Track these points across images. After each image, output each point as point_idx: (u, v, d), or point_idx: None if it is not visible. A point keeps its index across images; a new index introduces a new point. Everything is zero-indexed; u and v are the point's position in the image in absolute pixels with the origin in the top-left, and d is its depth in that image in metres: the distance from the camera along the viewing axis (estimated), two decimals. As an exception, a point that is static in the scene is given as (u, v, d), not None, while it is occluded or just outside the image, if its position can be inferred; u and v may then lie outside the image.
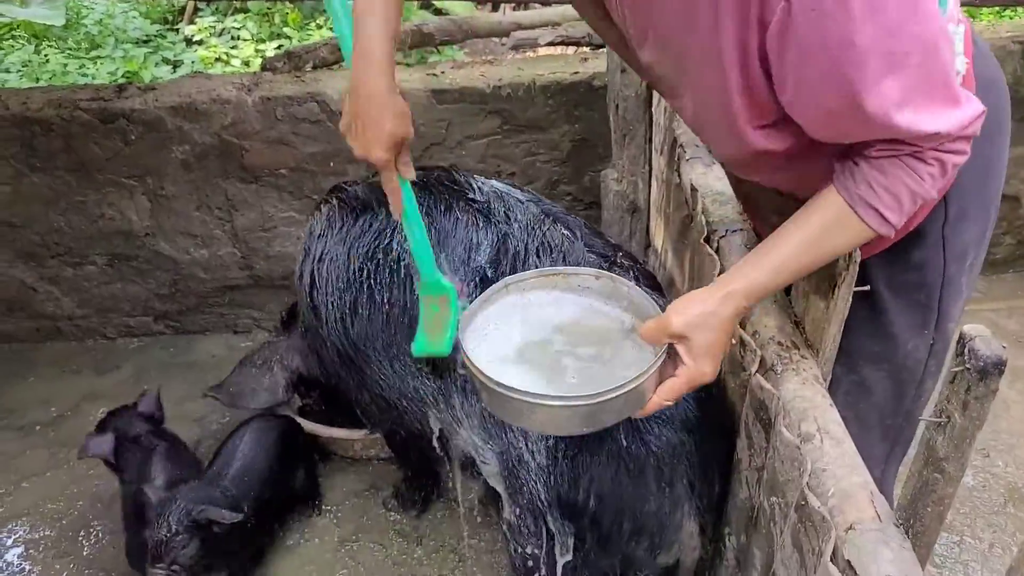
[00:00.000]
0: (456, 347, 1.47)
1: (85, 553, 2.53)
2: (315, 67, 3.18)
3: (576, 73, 2.96)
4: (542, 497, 1.77)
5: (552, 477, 1.73)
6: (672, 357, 1.34)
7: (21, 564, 2.49)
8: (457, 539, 2.54)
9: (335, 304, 2.01)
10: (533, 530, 1.83)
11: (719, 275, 1.79)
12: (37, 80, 4.22)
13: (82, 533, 2.60)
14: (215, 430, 2.97)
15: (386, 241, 1.96)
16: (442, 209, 1.91)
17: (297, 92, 2.90)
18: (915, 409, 1.73)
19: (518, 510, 1.85)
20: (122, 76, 4.34)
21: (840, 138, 1.21)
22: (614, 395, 1.27)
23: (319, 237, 2.06)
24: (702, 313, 1.30)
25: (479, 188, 1.97)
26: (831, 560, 1.21)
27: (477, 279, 1.83)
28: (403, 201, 1.50)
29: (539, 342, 1.45)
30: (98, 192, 3.02)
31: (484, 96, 2.94)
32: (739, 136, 1.28)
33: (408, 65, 3.57)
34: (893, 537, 1.20)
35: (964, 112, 1.15)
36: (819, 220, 1.28)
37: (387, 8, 1.41)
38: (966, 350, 1.08)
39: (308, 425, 2.69)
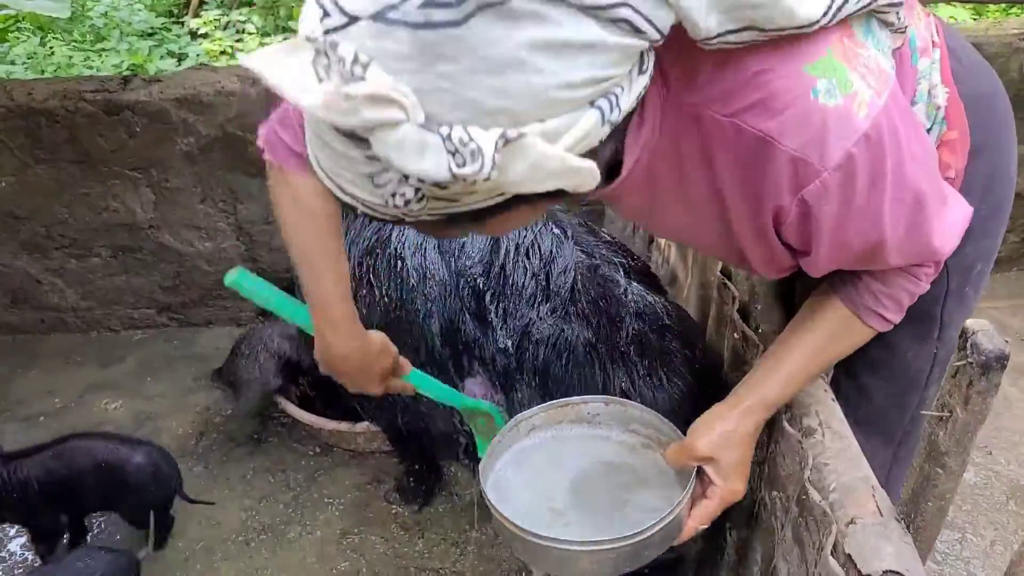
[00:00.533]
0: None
1: (89, 540, 2.53)
2: (320, 60, 3.18)
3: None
4: None
5: None
6: (699, 477, 1.35)
7: (23, 554, 2.51)
8: (459, 532, 2.54)
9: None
10: None
11: (719, 270, 1.79)
12: (42, 72, 4.23)
13: (84, 521, 2.60)
14: (218, 422, 2.98)
15: (385, 235, 1.96)
16: None
17: (302, 85, 2.90)
18: (920, 416, 1.71)
19: None
20: (127, 68, 4.34)
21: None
22: (655, 531, 1.27)
23: None
24: (724, 432, 1.32)
25: None
26: (831, 554, 1.21)
27: (468, 288, 1.83)
28: (411, 382, 1.54)
29: (561, 482, 1.44)
30: (103, 184, 3.03)
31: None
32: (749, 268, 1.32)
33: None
34: (894, 532, 1.20)
35: (963, 221, 1.20)
36: (825, 329, 1.32)
37: (337, 265, 1.38)
38: (968, 344, 1.08)
39: (310, 418, 2.70)
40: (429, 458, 2.52)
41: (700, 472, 1.35)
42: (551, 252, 1.83)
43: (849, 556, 1.18)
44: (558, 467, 1.46)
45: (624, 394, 1.64)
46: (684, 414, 1.67)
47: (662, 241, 2.67)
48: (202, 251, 3.22)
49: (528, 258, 1.83)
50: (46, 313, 3.37)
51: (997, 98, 1.43)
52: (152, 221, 3.13)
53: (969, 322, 1.10)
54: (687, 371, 1.69)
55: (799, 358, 1.34)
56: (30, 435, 2.94)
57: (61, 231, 3.14)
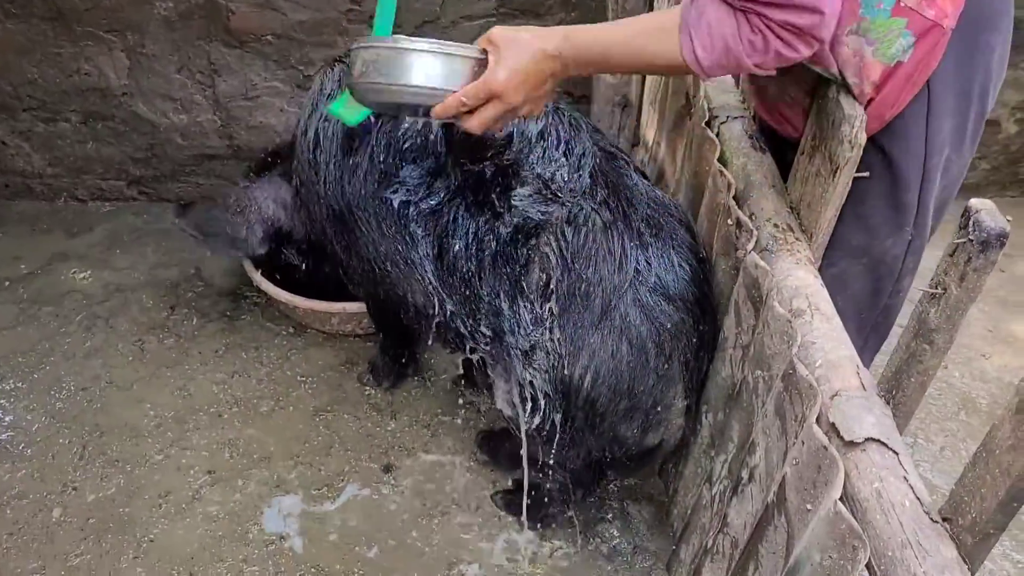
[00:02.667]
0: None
1: (59, 407, 2.53)
2: (307, -69, 3.05)
3: (578, -42, 2.89)
4: (537, 381, 1.79)
5: (551, 356, 1.74)
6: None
7: None
8: (431, 415, 2.58)
9: (336, 164, 1.99)
10: (520, 401, 1.86)
11: (716, 159, 1.80)
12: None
13: (53, 389, 2.59)
14: (190, 298, 2.96)
15: None
16: None
17: (288, -47, 2.79)
18: (893, 305, 1.79)
19: (508, 382, 1.87)
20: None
21: None
22: (422, 48, 1.42)
23: (329, 96, 2.02)
24: (519, 34, 1.42)
25: None
26: (816, 423, 1.26)
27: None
28: None
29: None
30: (75, 45, 2.91)
31: (482, -26, 2.87)
32: None
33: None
34: (876, 404, 1.26)
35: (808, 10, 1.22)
36: (653, 20, 1.42)
37: None
38: (971, 222, 1.11)
39: (286, 296, 2.68)
40: (405, 334, 2.51)
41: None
42: (566, 141, 1.82)
43: (833, 425, 1.24)
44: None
45: (638, 272, 1.67)
46: (690, 297, 1.71)
47: (649, 138, 2.67)
48: (176, 124, 3.12)
49: (543, 139, 1.81)
50: (11, 178, 3.27)
51: None
52: (126, 88, 3.02)
53: (973, 201, 1.13)
54: (693, 257, 1.71)
55: (619, 30, 1.44)
56: (-4, 298, 2.90)
57: (30, 91, 3.01)
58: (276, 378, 2.68)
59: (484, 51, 1.44)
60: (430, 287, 1.94)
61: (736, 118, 1.86)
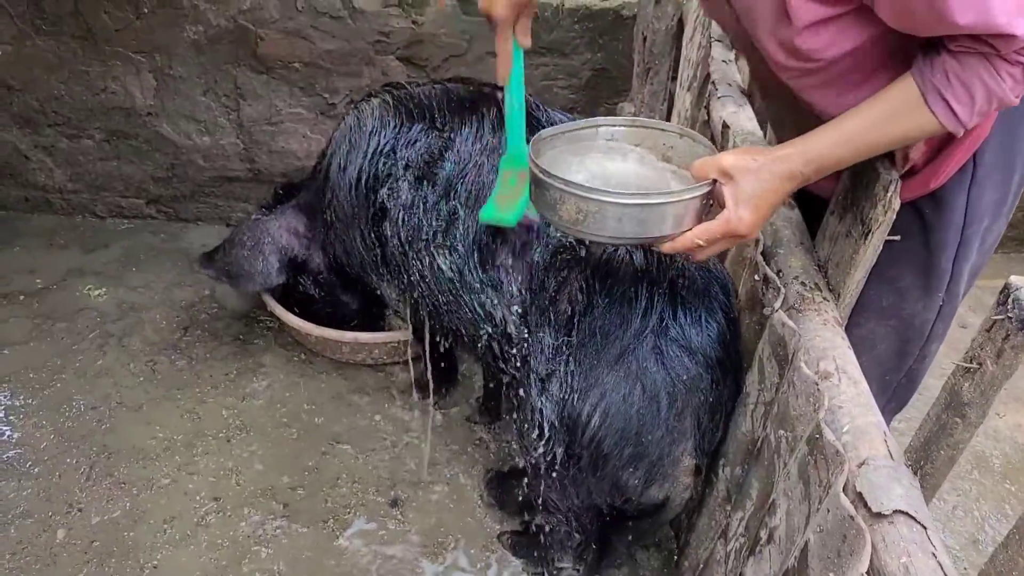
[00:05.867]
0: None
1: (68, 426, 2.51)
2: (338, -39, 3.08)
3: (606, 0, 2.91)
4: (547, 410, 1.78)
5: (564, 388, 1.73)
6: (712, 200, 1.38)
7: (2, 429, 2.48)
8: (440, 450, 2.56)
9: (398, 203, 2.01)
10: (528, 428, 1.85)
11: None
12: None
13: (63, 407, 2.58)
14: (203, 320, 2.95)
15: (436, 147, 1.95)
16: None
17: (320, -16, 2.82)
18: (918, 370, 1.76)
19: (523, 410, 1.86)
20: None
21: (921, 31, 1.19)
22: (659, 200, 1.31)
23: (372, 133, 2.02)
24: (753, 161, 1.32)
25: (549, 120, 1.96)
26: (842, 492, 1.24)
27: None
28: (511, 67, 1.51)
29: (600, 175, 1.49)
30: (103, 64, 2.93)
31: (510, 12, 2.88)
32: (787, 31, 1.28)
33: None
34: (904, 475, 1.24)
35: None
36: (890, 101, 1.27)
37: None
38: (1010, 300, 1.11)
39: (297, 322, 2.68)
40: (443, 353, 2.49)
41: (717, 195, 1.36)
42: None
43: (860, 494, 1.21)
44: (606, 165, 1.52)
45: (662, 320, 1.65)
46: (712, 354, 1.69)
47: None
48: (199, 145, 3.14)
49: None
50: (31, 191, 3.28)
51: None
52: (151, 108, 3.04)
53: (1013, 278, 1.13)
54: (723, 315, 1.69)
55: (855, 123, 1.30)
56: (9, 312, 2.89)
57: (55, 107, 3.03)
58: (286, 405, 2.66)
59: (713, 181, 1.36)
60: (478, 312, 1.94)
61: (764, 172, 1.85)
